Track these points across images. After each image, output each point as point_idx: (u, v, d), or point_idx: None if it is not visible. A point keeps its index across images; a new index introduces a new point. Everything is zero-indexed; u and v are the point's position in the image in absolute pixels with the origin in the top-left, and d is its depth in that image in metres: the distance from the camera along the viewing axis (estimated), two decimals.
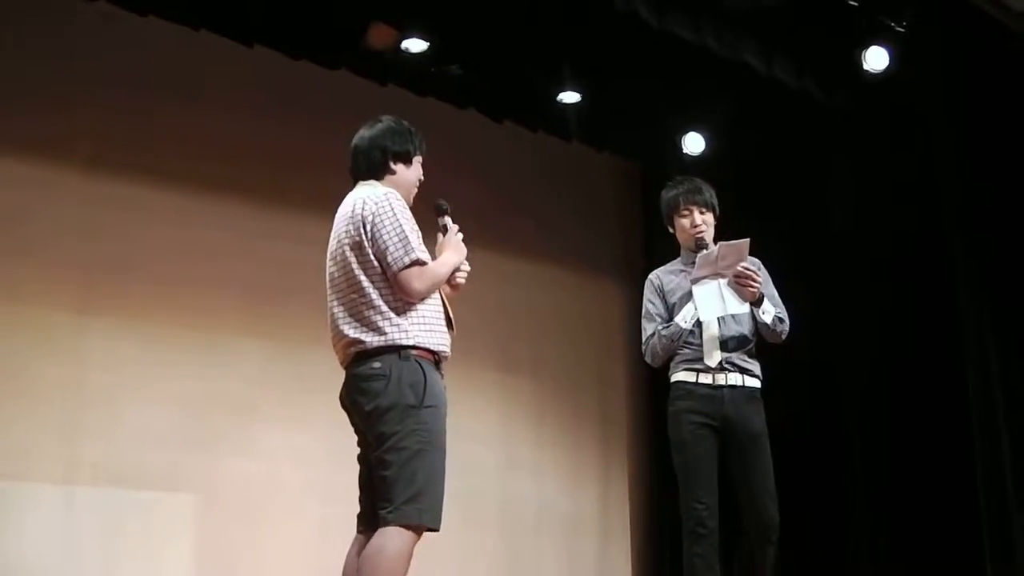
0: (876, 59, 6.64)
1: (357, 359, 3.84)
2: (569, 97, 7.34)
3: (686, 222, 4.97)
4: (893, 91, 6.82)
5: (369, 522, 3.82)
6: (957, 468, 6.41)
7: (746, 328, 4.87)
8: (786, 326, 4.93)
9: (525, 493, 7.55)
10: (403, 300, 3.83)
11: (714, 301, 4.78)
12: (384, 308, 3.80)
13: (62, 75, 6.00)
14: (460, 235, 4.09)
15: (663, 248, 8.06)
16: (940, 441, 6.53)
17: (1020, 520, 6.14)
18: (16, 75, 5.85)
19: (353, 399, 3.85)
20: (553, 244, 7.90)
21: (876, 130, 7.06)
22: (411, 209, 3.98)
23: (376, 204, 3.84)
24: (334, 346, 3.94)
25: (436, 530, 3.78)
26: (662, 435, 7.91)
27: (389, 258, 3.79)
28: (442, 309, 3.97)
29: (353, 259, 3.84)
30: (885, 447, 6.80)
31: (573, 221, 8.06)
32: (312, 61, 6.62)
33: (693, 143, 7.69)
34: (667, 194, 5.09)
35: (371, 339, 3.79)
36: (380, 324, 3.80)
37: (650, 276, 5.08)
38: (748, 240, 4.73)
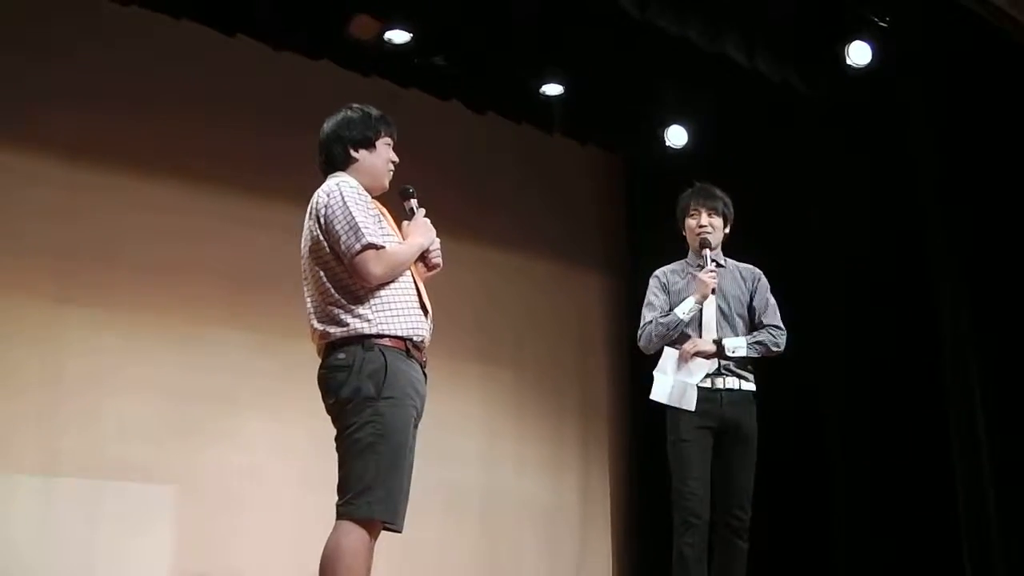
0: (859, 54, 6.66)
1: (326, 351, 3.83)
2: (552, 89, 7.34)
3: (693, 222, 5.22)
4: (875, 86, 6.84)
5: None
6: (936, 469, 6.43)
7: (740, 335, 5.10)
8: (778, 341, 5.15)
9: (507, 484, 7.56)
10: (366, 288, 3.78)
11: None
12: (343, 300, 3.77)
13: (42, 63, 5.97)
14: (426, 218, 4.04)
15: (646, 241, 8.17)
16: (919, 442, 6.55)
17: (999, 520, 6.16)
18: None
19: (322, 391, 3.84)
20: (535, 236, 7.91)
21: (858, 124, 7.07)
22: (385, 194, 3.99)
23: (327, 195, 3.83)
24: (311, 338, 3.94)
25: (394, 525, 3.70)
26: (642, 427, 8.02)
27: (342, 247, 3.75)
28: (414, 293, 3.90)
29: (313, 254, 3.85)
30: (864, 447, 6.80)
31: (556, 213, 8.07)
32: (295, 51, 6.60)
33: (676, 136, 7.69)
34: (680, 198, 5.32)
35: (335, 331, 3.78)
36: (342, 316, 3.77)
37: (656, 273, 5.30)
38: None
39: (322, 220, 3.80)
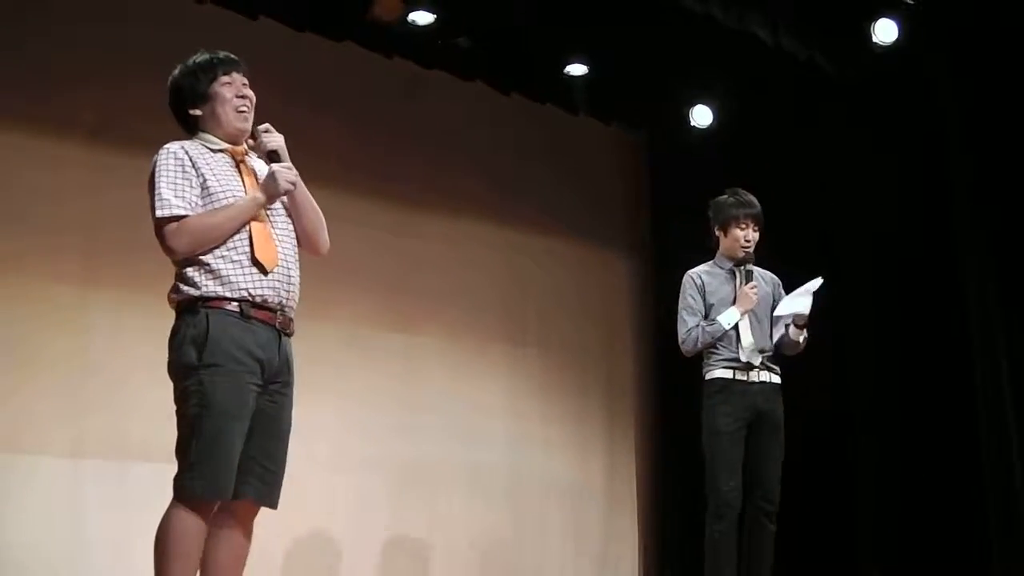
0: (885, 31, 6.61)
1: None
2: (576, 69, 7.33)
3: (740, 234, 5.38)
4: (901, 63, 6.78)
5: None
6: (964, 462, 6.42)
7: (768, 336, 5.38)
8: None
9: (533, 464, 7.56)
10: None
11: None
12: (177, 265, 3.60)
13: (65, 47, 5.98)
14: (281, 167, 3.70)
15: (671, 221, 8.14)
16: (947, 435, 6.53)
17: None
18: (17, 48, 5.83)
19: None
20: (560, 217, 7.89)
21: (884, 102, 7.02)
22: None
23: (152, 165, 3.64)
24: None
25: (219, 500, 3.48)
26: (668, 406, 8.01)
27: (152, 219, 3.57)
28: (246, 249, 3.58)
29: None
30: (892, 438, 6.78)
31: (581, 194, 8.04)
32: (317, 33, 6.59)
33: (701, 115, 7.67)
34: (728, 203, 5.44)
35: (173, 297, 3.61)
36: (177, 282, 3.59)
37: (691, 275, 5.49)
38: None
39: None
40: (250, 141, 3.79)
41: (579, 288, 8.05)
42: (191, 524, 3.44)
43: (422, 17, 6.67)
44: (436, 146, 7.18)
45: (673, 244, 8.14)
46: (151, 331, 6.06)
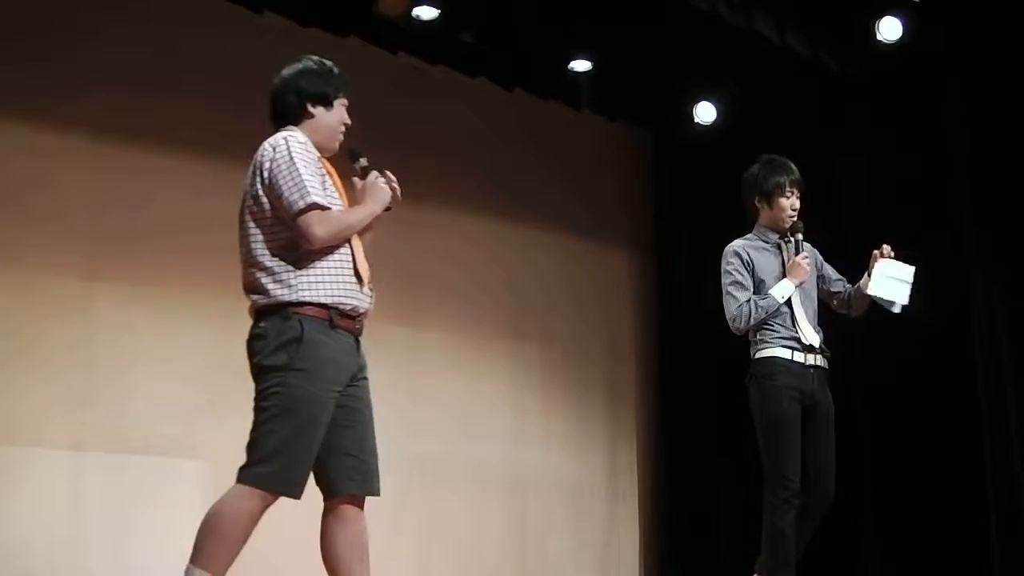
0: (889, 29, 6.61)
1: (253, 318, 3.72)
2: (580, 66, 7.32)
3: (786, 203, 5.16)
4: (906, 61, 6.78)
5: (326, 489, 3.75)
6: (965, 461, 6.42)
7: (816, 313, 5.18)
8: None
9: (534, 460, 7.58)
10: (296, 252, 3.62)
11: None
12: (268, 264, 3.64)
13: (68, 43, 5.98)
14: (380, 180, 3.83)
15: (673, 217, 8.14)
16: (949, 433, 6.52)
17: None
18: (23, 43, 5.83)
19: (247, 356, 3.74)
20: (563, 213, 7.89)
21: (888, 100, 7.02)
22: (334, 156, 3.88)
23: (273, 148, 3.65)
24: None
25: (291, 497, 3.60)
26: (670, 402, 8.02)
27: (284, 203, 3.58)
28: (348, 260, 3.70)
29: (249, 212, 3.70)
30: (892, 437, 6.78)
31: (584, 190, 8.05)
32: (322, 28, 6.59)
33: (705, 112, 7.67)
34: (770, 171, 5.21)
35: (259, 299, 3.66)
36: (265, 283, 3.63)
37: (735, 248, 5.18)
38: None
39: (265, 174, 3.63)
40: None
41: (581, 284, 8.05)
42: (246, 512, 3.54)
43: (426, 12, 6.67)
44: (439, 142, 7.18)
45: (676, 241, 8.17)
46: (153, 323, 6.14)
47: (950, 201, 6.64)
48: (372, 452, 3.80)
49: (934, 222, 6.72)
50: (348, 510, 3.73)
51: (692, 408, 7.90)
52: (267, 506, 3.59)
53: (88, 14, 6.06)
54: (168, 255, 6.20)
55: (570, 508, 7.72)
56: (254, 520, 3.57)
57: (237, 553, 3.57)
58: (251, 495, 3.54)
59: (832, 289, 5.30)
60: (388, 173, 3.87)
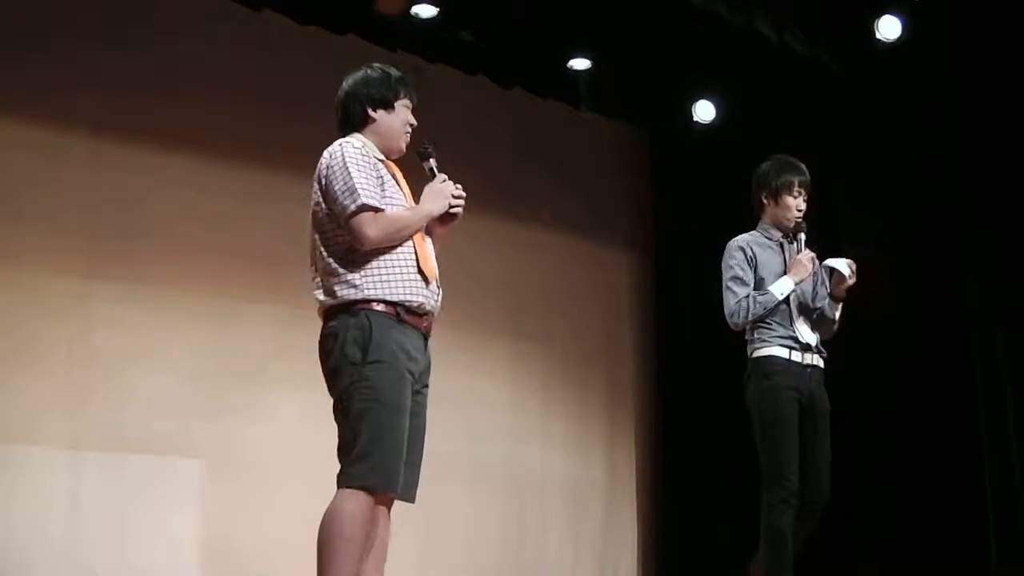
0: (889, 28, 6.61)
1: (323, 320, 3.80)
2: (579, 64, 7.32)
3: (793, 202, 5.14)
4: (905, 60, 6.78)
5: None
6: (963, 460, 6.42)
7: (813, 315, 5.15)
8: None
9: (533, 459, 7.57)
10: (358, 254, 3.70)
11: None
12: (334, 266, 3.71)
13: (67, 41, 5.97)
14: (442, 184, 3.90)
15: (672, 216, 8.14)
16: (947, 433, 6.52)
17: None
18: (22, 41, 5.82)
19: (320, 359, 3.80)
20: (562, 212, 7.89)
21: (887, 99, 7.01)
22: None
23: (329, 156, 3.76)
24: None
25: (392, 492, 3.67)
26: (668, 402, 8.02)
27: (337, 208, 3.68)
28: (411, 258, 3.78)
29: (313, 218, 3.80)
30: (891, 437, 6.77)
31: (582, 189, 8.04)
32: (320, 26, 6.59)
33: (704, 111, 7.67)
34: (780, 169, 5.20)
35: (327, 300, 3.74)
36: (332, 284, 3.71)
37: (739, 243, 5.16)
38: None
39: (323, 181, 3.74)
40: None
41: (580, 284, 8.05)
42: (359, 511, 3.58)
43: (425, 10, 6.67)
44: (437, 140, 7.16)
45: (675, 240, 8.17)
46: (150, 322, 6.13)
47: (949, 201, 6.63)
48: (417, 464, 3.86)
49: (933, 222, 6.71)
50: (378, 510, 3.73)
51: (691, 407, 7.90)
52: (373, 504, 3.63)
53: (87, 12, 6.05)
54: (165, 253, 6.20)
55: (569, 507, 7.71)
56: (366, 517, 3.61)
57: (361, 551, 3.61)
58: (354, 496, 3.59)
59: (814, 306, 5.23)
60: (456, 185, 3.93)
